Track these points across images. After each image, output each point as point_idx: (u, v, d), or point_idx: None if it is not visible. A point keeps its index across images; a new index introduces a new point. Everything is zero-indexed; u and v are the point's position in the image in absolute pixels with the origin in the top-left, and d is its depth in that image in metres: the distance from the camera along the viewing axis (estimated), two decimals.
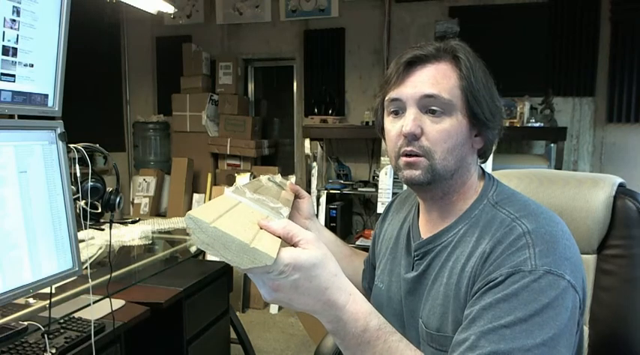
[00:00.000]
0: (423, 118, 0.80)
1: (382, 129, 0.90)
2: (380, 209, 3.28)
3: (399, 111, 0.83)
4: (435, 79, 0.80)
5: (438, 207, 0.87)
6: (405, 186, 1.08)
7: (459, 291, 0.77)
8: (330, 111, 3.89)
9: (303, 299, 0.60)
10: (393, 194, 3.36)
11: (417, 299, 0.86)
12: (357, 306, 0.63)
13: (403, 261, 0.92)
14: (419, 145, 0.80)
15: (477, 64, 0.82)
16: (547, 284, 0.67)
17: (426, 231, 0.90)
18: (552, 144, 3.32)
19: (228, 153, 4.15)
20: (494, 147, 0.88)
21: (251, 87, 4.54)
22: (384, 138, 0.90)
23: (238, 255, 0.52)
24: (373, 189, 3.56)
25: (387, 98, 0.85)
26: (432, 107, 0.79)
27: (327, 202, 3.59)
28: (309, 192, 3.67)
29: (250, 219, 0.60)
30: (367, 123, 3.71)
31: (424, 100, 0.79)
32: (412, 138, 0.79)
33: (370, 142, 3.90)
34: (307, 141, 3.72)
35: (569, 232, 0.75)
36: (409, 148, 0.80)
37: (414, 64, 0.81)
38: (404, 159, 0.82)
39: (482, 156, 0.87)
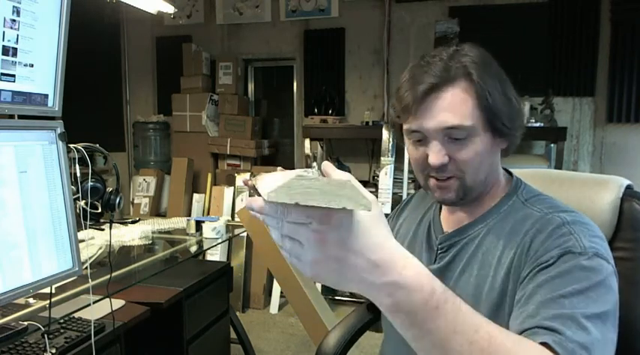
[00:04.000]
0: (448, 146, 0.81)
1: (402, 140, 0.90)
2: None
3: (420, 140, 0.83)
4: (453, 107, 0.79)
5: (466, 207, 0.88)
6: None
7: (494, 282, 0.78)
8: (330, 111, 3.89)
9: (353, 260, 0.48)
10: (393, 194, 3.36)
11: None
12: (418, 268, 0.51)
13: (423, 255, 0.93)
14: (449, 170, 0.82)
15: (491, 73, 0.81)
16: (597, 264, 0.69)
17: (449, 225, 0.91)
18: (552, 144, 3.32)
19: (228, 153, 4.15)
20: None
21: (251, 87, 4.54)
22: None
23: (328, 198, 0.45)
24: (373, 189, 3.55)
25: (406, 127, 0.84)
26: (455, 136, 0.80)
27: None
28: None
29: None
30: (367, 123, 3.71)
31: (447, 131, 0.79)
32: (443, 167, 0.81)
33: (370, 142, 3.90)
34: (307, 141, 3.72)
35: (598, 228, 0.78)
36: (439, 175, 0.82)
37: (429, 91, 0.80)
38: (434, 181, 0.84)
39: (505, 152, 0.88)
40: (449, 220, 0.92)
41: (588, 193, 0.97)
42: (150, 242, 2.35)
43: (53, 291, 1.19)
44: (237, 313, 2.91)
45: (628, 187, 0.95)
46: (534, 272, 0.72)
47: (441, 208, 0.96)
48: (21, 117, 1.06)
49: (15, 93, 1.02)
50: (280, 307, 3.57)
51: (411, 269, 0.50)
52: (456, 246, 0.87)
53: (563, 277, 0.68)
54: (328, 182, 0.45)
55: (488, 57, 0.83)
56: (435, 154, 0.80)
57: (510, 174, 0.92)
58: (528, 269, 0.74)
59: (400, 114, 0.85)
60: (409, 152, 0.87)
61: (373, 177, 3.81)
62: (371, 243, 0.49)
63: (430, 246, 0.93)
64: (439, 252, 0.89)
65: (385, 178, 3.35)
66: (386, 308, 0.52)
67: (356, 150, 3.98)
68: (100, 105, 4.37)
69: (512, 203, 0.85)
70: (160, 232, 2.50)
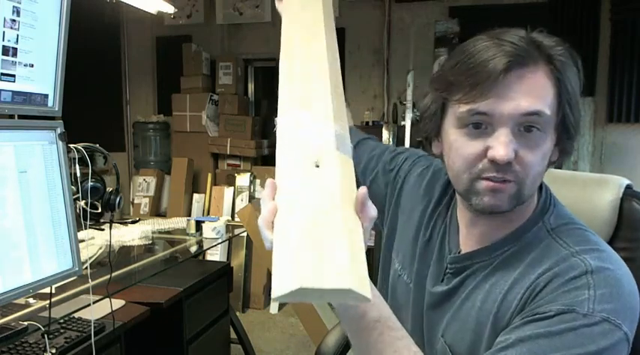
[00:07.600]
0: (515, 140, 0.66)
1: (437, 134, 0.76)
2: None
3: (481, 125, 0.67)
4: (534, 90, 0.66)
5: (489, 224, 0.75)
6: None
7: (497, 322, 0.68)
8: None
9: None
10: None
11: (440, 314, 0.78)
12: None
13: (432, 268, 0.83)
14: (509, 170, 0.66)
15: (573, 66, 0.70)
16: (600, 332, 0.60)
17: (466, 243, 0.80)
18: None
19: (228, 153, 4.15)
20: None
21: (251, 87, 4.54)
22: (432, 142, 0.78)
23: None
24: None
25: (466, 108, 0.67)
26: (530, 125, 0.66)
27: None
28: None
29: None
30: (367, 123, 3.71)
31: (523, 119, 0.65)
32: (506, 166, 0.66)
33: None
34: None
35: (631, 274, 0.67)
36: (499, 175, 0.67)
37: (510, 68, 0.65)
38: (487, 183, 0.68)
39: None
40: (466, 236, 0.80)
41: (588, 193, 0.97)
42: (150, 242, 2.35)
43: (53, 291, 1.19)
44: (237, 313, 2.92)
45: (628, 187, 0.96)
46: (525, 320, 0.63)
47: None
48: (21, 117, 1.06)
49: (15, 93, 1.02)
50: (280, 307, 3.57)
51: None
52: (467, 269, 0.77)
53: (551, 338, 0.59)
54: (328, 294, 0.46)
55: (571, 49, 0.71)
56: (505, 146, 0.64)
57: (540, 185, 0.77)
58: (524, 313, 0.65)
59: (464, 91, 0.67)
60: (456, 144, 0.70)
61: None
62: None
63: (441, 258, 0.82)
64: (447, 271, 0.80)
65: None
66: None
67: None
68: (100, 105, 4.37)
69: (536, 229, 0.72)
70: (160, 232, 2.51)
